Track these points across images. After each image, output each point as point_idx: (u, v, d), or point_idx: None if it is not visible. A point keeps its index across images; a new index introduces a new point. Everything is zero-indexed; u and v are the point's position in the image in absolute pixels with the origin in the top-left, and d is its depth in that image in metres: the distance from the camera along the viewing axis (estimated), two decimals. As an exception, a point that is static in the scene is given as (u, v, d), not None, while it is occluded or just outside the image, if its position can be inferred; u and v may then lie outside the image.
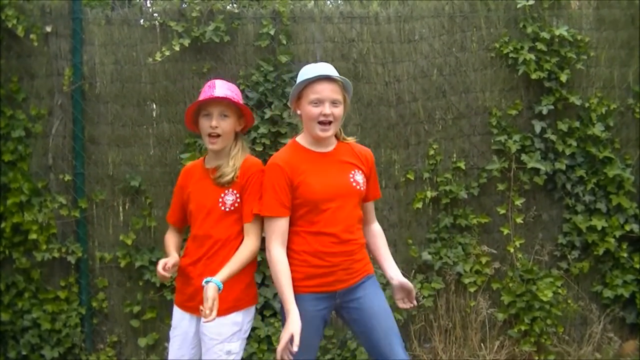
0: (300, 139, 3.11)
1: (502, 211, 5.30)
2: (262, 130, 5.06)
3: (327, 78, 2.99)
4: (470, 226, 5.28)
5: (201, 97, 3.14)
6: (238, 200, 3.08)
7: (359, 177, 3.08)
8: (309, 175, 3.00)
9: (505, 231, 5.28)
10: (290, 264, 2.98)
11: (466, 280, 5.23)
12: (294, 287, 2.96)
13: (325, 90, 2.98)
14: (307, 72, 3.04)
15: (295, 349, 2.75)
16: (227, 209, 3.10)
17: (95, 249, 5.09)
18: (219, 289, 2.83)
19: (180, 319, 3.16)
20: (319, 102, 2.98)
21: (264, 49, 5.16)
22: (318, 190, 2.98)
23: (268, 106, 5.13)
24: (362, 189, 3.08)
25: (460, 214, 5.28)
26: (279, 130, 5.10)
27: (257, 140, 5.05)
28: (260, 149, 5.04)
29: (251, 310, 3.15)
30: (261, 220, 3.04)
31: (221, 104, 3.10)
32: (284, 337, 2.78)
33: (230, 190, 3.10)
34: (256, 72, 5.14)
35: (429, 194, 5.24)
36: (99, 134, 5.11)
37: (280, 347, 2.77)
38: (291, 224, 3.02)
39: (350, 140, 3.17)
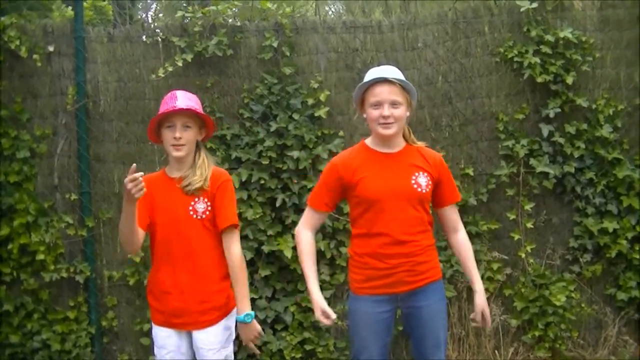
0: (369, 140, 3.16)
1: (512, 216, 5.28)
2: (268, 143, 5.05)
3: (384, 80, 3.02)
4: (480, 233, 5.26)
5: (163, 109, 3.12)
6: (209, 208, 3.09)
7: (423, 180, 3.08)
8: (369, 174, 3.04)
9: (516, 236, 5.27)
10: (352, 267, 3.06)
11: (478, 288, 5.19)
12: (356, 289, 3.04)
13: (383, 93, 3.01)
14: (368, 75, 3.08)
15: (333, 316, 2.92)
16: (199, 217, 3.09)
17: (104, 267, 5.06)
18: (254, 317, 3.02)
19: (165, 336, 3.14)
20: (378, 105, 3.03)
21: (267, 62, 5.17)
22: (375, 189, 3.01)
23: (273, 119, 5.11)
24: (424, 191, 3.06)
25: (470, 220, 5.26)
26: (284, 143, 5.08)
27: (263, 153, 5.04)
28: (267, 162, 5.04)
29: (234, 310, 3.16)
30: (237, 228, 3.09)
31: (184, 115, 3.10)
32: (318, 317, 2.95)
33: (201, 198, 3.10)
34: (260, 84, 5.14)
35: (438, 201, 5.19)
36: (104, 152, 5.10)
37: (321, 320, 2.95)
38: (352, 225, 3.09)
39: (421, 144, 3.19)
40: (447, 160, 5.02)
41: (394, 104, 3.02)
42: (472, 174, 5.30)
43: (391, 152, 3.09)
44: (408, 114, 3.09)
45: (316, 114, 5.17)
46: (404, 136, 3.15)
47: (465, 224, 4.88)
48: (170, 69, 4.99)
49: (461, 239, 3.22)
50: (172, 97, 3.14)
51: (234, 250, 3.09)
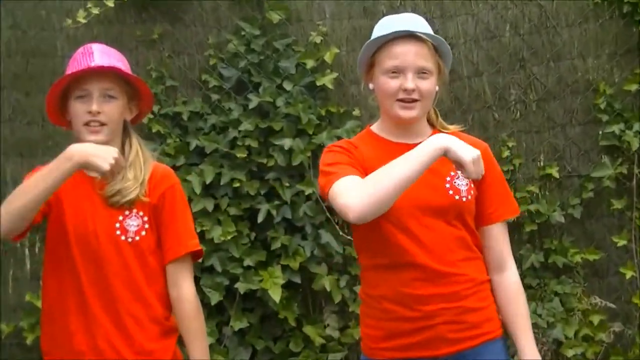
0: (376, 126, 3.15)
1: (621, 242, 5.20)
2: (247, 125, 4.99)
3: (410, 35, 2.98)
4: (571, 266, 5.19)
5: (71, 69, 3.10)
6: (147, 226, 3.09)
7: (462, 183, 3.02)
8: None
9: (629, 273, 5.17)
10: (365, 316, 3.09)
11: (570, 352, 5.10)
12: (371, 349, 3.07)
13: (408, 54, 2.97)
14: (382, 27, 3.07)
15: None
16: (130, 239, 3.06)
17: (-14, 314, 5.01)
18: None
19: None
20: (398, 71, 2.98)
21: (245, 3, 5.14)
22: None
23: (254, 89, 5.06)
24: (465, 199, 3.02)
25: (555, 247, 5.17)
26: (271, 126, 5.01)
27: (237, 142, 4.98)
28: (244, 155, 4.97)
29: None
30: (198, 258, 3.23)
31: (104, 79, 3.07)
32: None
33: (134, 211, 3.08)
34: (234, 38, 5.09)
35: (504, 216, 5.01)
36: (-11, 137, 5.12)
37: None
38: (359, 252, 3.13)
39: (454, 128, 3.16)
40: (519, 154, 5.25)
41: (422, 72, 2.98)
42: (557, 175, 5.21)
43: (413, 143, 2.99)
44: (437, 88, 3.05)
45: (318, 83, 5.10)
46: (429, 120, 3.16)
47: (547, 253, 5.16)
48: (95, 11, 4.87)
49: (511, 279, 3.15)
50: (85, 53, 3.14)
51: (185, 288, 3.12)
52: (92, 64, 3.04)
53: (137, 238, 3.06)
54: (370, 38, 3.18)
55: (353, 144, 3.09)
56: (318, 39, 5.09)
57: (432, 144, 2.80)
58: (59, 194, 3.03)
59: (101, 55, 3.11)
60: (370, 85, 3.09)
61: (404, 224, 2.97)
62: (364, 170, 3.00)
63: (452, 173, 3.01)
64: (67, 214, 3.07)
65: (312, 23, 5.15)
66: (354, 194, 2.88)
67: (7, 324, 4.91)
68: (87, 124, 3.03)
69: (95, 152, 2.88)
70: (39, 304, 4.65)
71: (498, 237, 3.12)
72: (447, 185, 2.99)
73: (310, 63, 5.04)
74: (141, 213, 3.08)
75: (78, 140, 3.06)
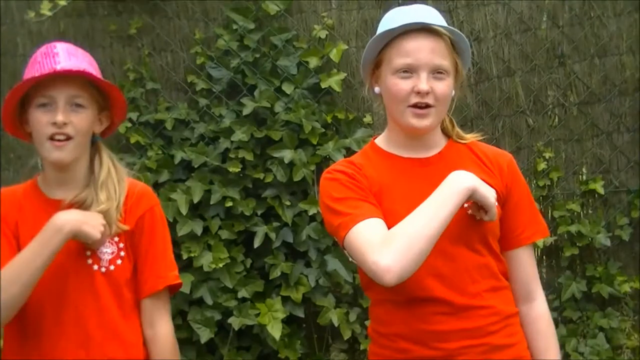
0: (382, 139, 3.10)
1: None
2: (240, 135, 5.00)
3: (423, 29, 2.94)
4: (618, 296, 5.21)
5: (32, 73, 3.03)
6: (122, 253, 3.06)
7: None
8: (392, 196, 2.99)
9: None
10: (376, 356, 3.06)
11: (618, 397, 5.04)
12: None
13: (422, 50, 2.91)
14: (391, 20, 3.01)
15: None
16: (103, 269, 3.03)
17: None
18: None
19: None
20: (410, 71, 2.91)
21: None
22: (400, 220, 2.91)
23: (248, 93, 5.08)
24: (486, 219, 2.97)
25: (600, 274, 5.18)
26: (268, 136, 5.01)
27: (230, 153, 5.00)
28: (237, 170, 4.96)
29: None
30: (174, 291, 3.23)
31: (71, 85, 3.01)
32: None
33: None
34: (225, 32, 5.11)
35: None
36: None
37: None
38: (368, 289, 3.07)
39: (472, 137, 3.10)
40: (558, 164, 5.29)
41: (437, 72, 2.93)
42: (601, 191, 5.24)
43: (425, 157, 3.04)
44: (454, 92, 3.01)
45: (323, 85, 5.11)
46: (443, 129, 3.11)
47: (591, 281, 5.19)
48: (62, 2, 4.90)
49: (539, 312, 3.12)
50: (48, 54, 3.08)
51: (163, 328, 3.12)
52: (58, 67, 2.98)
53: (112, 267, 3.02)
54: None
55: (356, 164, 3.06)
56: (323, 34, 5.10)
57: (460, 185, 2.84)
58: (18, 221, 3.03)
59: (67, 56, 3.05)
60: (376, 89, 3.02)
61: None
62: (374, 196, 3.00)
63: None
64: (21, 244, 3.00)
65: (315, 15, 5.17)
66: (387, 252, 2.83)
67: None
68: (51, 137, 2.98)
69: (85, 219, 2.91)
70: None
71: (525, 262, 3.10)
72: (465, 205, 2.92)
73: (313, 62, 5.05)
74: (116, 239, 3.04)
75: (40, 155, 3.04)
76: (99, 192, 3.06)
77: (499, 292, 3.00)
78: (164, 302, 3.14)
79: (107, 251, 3.05)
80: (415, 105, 2.91)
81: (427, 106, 2.92)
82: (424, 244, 2.80)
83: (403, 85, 2.91)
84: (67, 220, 2.93)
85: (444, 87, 2.93)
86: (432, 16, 3.02)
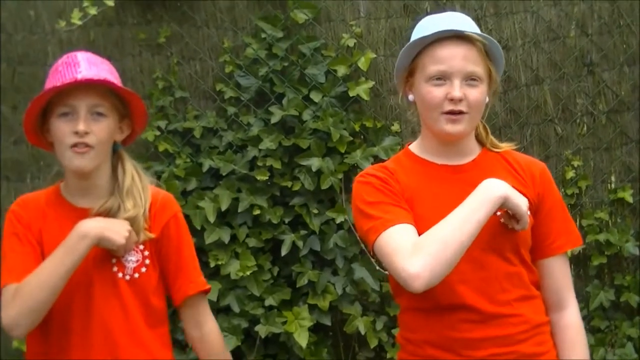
0: (416, 145, 3.14)
1: None
2: (268, 143, 5.00)
3: (456, 36, 2.96)
4: None
5: (53, 82, 3.06)
6: (147, 261, 3.09)
7: None
8: (424, 202, 3.00)
9: None
10: None
11: (647, 411, 5.14)
12: None
13: (455, 57, 2.93)
14: (423, 28, 3.04)
15: None
16: (128, 277, 3.05)
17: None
18: None
19: None
20: (443, 78, 2.94)
21: (265, 1, 5.19)
22: (430, 226, 2.93)
23: (277, 101, 5.08)
24: (517, 228, 2.97)
25: (628, 283, 5.16)
26: (296, 144, 5.02)
27: (258, 161, 5.00)
28: (265, 178, 4.97)
29: None
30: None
31: (92, 94, 3.03)
32: None
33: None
34: (254, 41, 5.12)
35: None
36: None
37: None
38: (398, 295, 3.09)
39: (506, 146, 3.13)
40: (587, 172, 5.28)
41: (471, 79, 2.95)
42: (630, 199, 5.23)
43: (459, 165, 3.07)
44: (487, 99, 3.03)
45: (351, 93, 5.11)
46: (477, 137, 3.13)
47: (618, 290, 5.19)
48: (92, 11, 4.89)
49: (570, 321, 3.11)
50: (69, 63, 3.10)
51: (209, 326, 3.19)
52: (79, 76, 3.01)
53: (137, 275, 3.04)
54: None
55: (389, 169, 3.07)
56: (351, 42, 5.09)
57: (493, 192, 2.84)
58: (42, 229, 3.04)
59: (88, 65, 3.07)
60: (410, 97, 3.04)
61: None
62: (401, 187, 3.02)
63: None
64: (45, 253, 3.01)
65: (344, 23, 5.16)
66: (417, 258, 2.85)
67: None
68: (73, 145, 3.00)
69: (109, 225, 2.93)
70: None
71: (557, 271, 3.09)
72: (498, 213, 2.93)
73: (342, 70, 5.05)
74: (141, 247, 3.07)
75: (62, 164, 3.05)
76: (125, 199, 3.08)
77: (529, 301, 2.99)
78: (204, 303, 3.19)
79: (132, 259, 3.07)
80: (448, 112, 2.94)
81: (461, 113, 2.94)
82: (454, 250, 2.81)
83: (436, 92, 2.93)
84: (92, 227, 2.94)
85: (477, 94, 2.94)
86: (464, 23, 3.04)
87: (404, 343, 3.09)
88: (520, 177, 3.08)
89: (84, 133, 2.98)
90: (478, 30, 3.03)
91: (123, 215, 3.06)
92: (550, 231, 3.07)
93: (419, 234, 2.94)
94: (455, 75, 2.94)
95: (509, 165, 3.11)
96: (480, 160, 3.09)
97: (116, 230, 2.94)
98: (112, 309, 3.04)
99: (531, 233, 3.06)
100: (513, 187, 2.99)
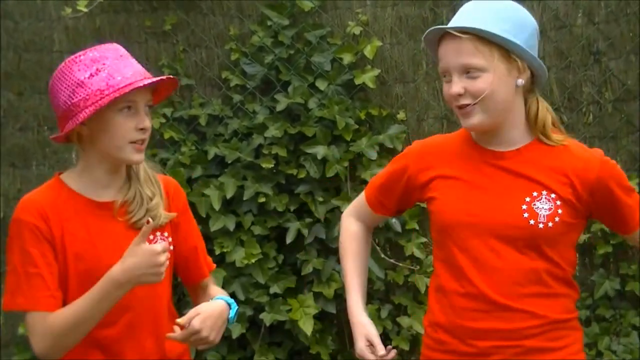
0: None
1: None
2: (273, 131, 5.03)
3: (446, 33, 2.99)
4: None
5: (115, 75, 3.01)
6: (171, 247, 3.14)
7: (544, 207, 2.96)
8: (452, 184, 3.06)
9: None
10: (423, 346, 3.13)
11: (654, 405, 5.06)
12: None
13: (447, 54, 2.97)
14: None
15: (382, 351, 3.03)
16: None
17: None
18: None
19: None
20: (447, 74, 2.99)
21: None
22: (453, 212, 3.03)
23: (282, 89, 5.10)
24: (542, 225, 2.95)
25: (634, 272, 5.10)
26: (302, 132, 5.04)
27: (263, 149, 5.04)
28: (270, 166, 5.01)
29: None
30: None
31: (147, 90, 3.07)
32: (360, 351, 3.08)
33: (158, 233, 3.12)
34: (259, 29, 5.12)
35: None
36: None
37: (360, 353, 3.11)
38: (433, 250, 3.23)
39: (561, 140, 3.02)
40: None
41: (467, 72, 2.93)
42: (636, 188, 4.94)
43: (499, 151, 3.06)
44: (521, 80, 2.96)
45: (357, 82, 5.12)
46: (538, 123, 3.04)
47: (624, 280, 5.15)
48: None
49: None
50: (124, 56, 3.10)
51: (219, 289, 3.27)
52: (141, 73, 3.01)
53: (167, 262, 3.03)
54: (426, 28, 3.13)
55: (431, 145, 3.16)
56: (357, 30, 5.09)
57: (350, 315, 3.14)
58: (60, 229, 2.99)
59: (135, 60, 3.09)
60: None
61: (470, 245, 2.97)
62: (426, 166, 3.10)
63: (535, 194, 2.96)
64: (82, 248, 3.01)
65: (350, 11, 5.15)
66: (343, 221, 3.31)
67: (-1, 362, 4.96)
68: (133, 142, 3.00)
69: (142, 268, 2.87)
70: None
71: None
72: (524, 207, 2.94)
73: (347, 58, 5.04)
74: (166, 234, 3.09)
75: (113, 157, 3.01)
76: (144, 189, 3.09)
77: (545, 299, 2.98)
78: (213, 279, 3.26)
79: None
80: (458, 107, 2.96)
81: (467, 106, 2.94)
82: None
83: (446, 89, 2.97)
84: (126, 276, 2.88)
85: (480, 83, 2.90)
86: (472, 14, 2.99)
87: (425, 324, 3.12)
88: (561, 170, 2.99)
89: (147, 127, 3.02)
90: (501, 18, 2.93)
91: (148, 203, 3.07)
92: (620, 220, 3.04)
93: (441, 208, 3.03)
94: (452, 71, 2.95)
95: (557, 157, 3.03)
96: (525, 150, 3.03)
97: (152, 271, 2.88)
98: (160, 293, 3.06)
99: (606, 223, 3.13)
100: (542, 182, 2.98)
